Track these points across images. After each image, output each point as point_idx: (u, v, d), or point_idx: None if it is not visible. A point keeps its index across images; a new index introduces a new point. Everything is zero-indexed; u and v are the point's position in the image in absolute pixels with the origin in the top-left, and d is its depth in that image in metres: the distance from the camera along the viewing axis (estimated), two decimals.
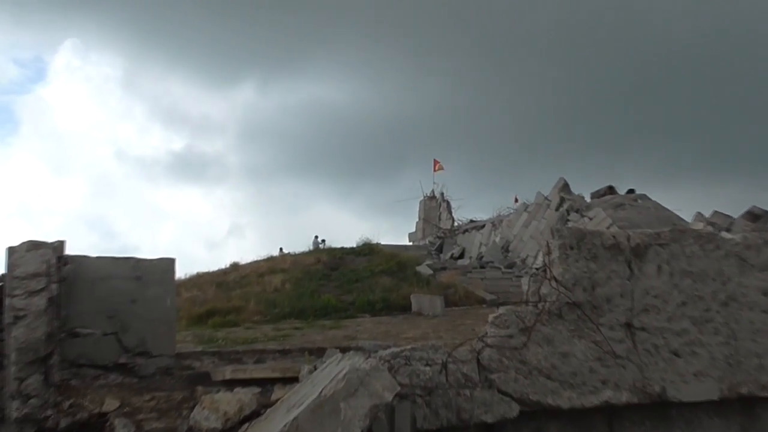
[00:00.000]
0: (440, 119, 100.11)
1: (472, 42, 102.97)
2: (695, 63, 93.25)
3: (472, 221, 36.45)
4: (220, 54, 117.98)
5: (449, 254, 32.01)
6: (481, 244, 31.81)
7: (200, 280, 23.02)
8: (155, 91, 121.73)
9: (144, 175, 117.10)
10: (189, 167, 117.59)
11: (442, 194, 41.70)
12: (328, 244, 31.97)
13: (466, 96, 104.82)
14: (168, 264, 7.82)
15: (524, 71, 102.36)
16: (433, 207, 41.61)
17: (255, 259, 26.22)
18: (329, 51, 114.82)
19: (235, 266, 24.93)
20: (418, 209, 42.79)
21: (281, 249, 29.82)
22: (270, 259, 25.83)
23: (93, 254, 7.54)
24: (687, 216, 23.14)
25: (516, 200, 33.28)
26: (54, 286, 6.55)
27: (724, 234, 7.67)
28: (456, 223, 38.28)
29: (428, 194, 42.68)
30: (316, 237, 34.17)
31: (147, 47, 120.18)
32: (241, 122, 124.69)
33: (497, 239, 30.24)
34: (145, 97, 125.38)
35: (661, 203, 24.97)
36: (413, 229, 42.53)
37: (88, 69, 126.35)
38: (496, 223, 31.74)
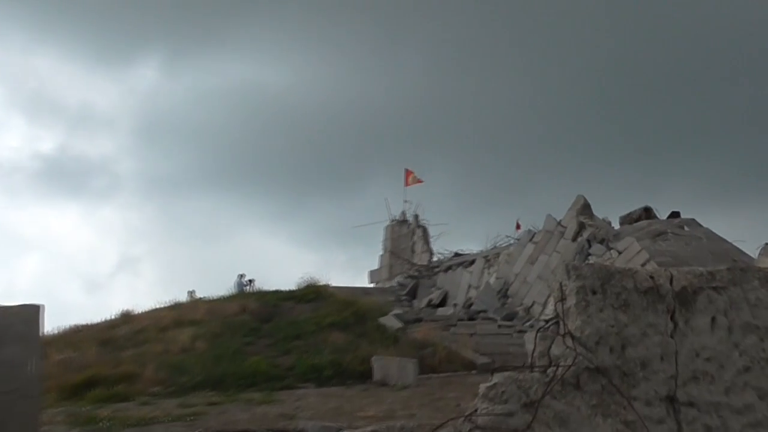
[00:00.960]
0: (416, 115, 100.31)
1: (460, 15, 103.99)
2: (760, 52, 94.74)
3: (457, 255, 36.52)
4: (110, 20, 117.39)
5: (426, 300, 32.07)
6: (470, 286, 31.87)
7: (77, 336, 22.74)
8: (15, 71, 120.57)
9: None
10: (63, 176, 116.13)
11: (417, 217, 42.02)
12: (258, 285, 31.95)
13: (452, 86, 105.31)
14: (31, 313, 7.67)
15: (531, 56, 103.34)
16: (405, 235, 41.82)
17: (155, 306, 26.10)
18: (263, 18, 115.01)
19: (126, 316, 24.72)
20: (383, 238, 42.93)
21: (192, 292, 29.74)
22: (176, 307, 25.67)
23: None
24: (751, 249, 22.83)
25: (518, 227, 33.71)
26: None
27: None
28: (435, 258, 38.37)
29: (397, 217, 42.89)
30: (242, 276, 34.07)
31: (4, 9, 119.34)
32: (139, 114, 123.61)
33: (492, 280, 30.27)
34: (2, 78, 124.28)
35: (715, 232, 25.35)
36: (376, 266, 42.57)
37: None
38: (490, 257, 31.85)
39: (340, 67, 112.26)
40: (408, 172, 42.15)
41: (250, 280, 33.38)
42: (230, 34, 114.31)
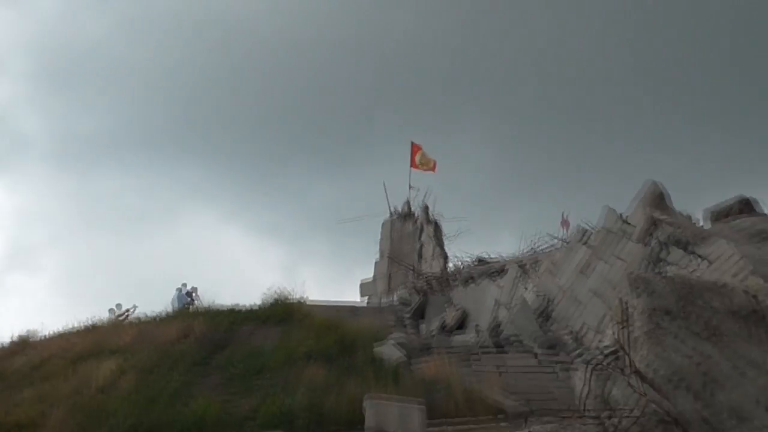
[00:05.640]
0: (434, 66, 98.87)
1: None
2: None
3: (482, 261, 37.46)
4: None
5: (437, 323, 32.78)
6: (498, 304, 32.16)
7: None
8: None
9: None
10: None
11: (427, 210, 42.29)
12: (205, 299, 33.15)
13: (483, 28, 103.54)
14: None
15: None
16: (409, 234, 42.20)
17: (65, 328, 27.11)
18: None
19: (24, 342, 25.46)
20: (379, 238, 43.35)
21: (117, 308, 31.24)
22: (94, 329, 26.51)
23: None
24: None
25: (565, 223, 35.24)
26: None
27: None
28: (451, 265, 38.71)
29: (399, 209, 43.54)
30: (182, 287, 34.78)
31: None
32: (39, 49, 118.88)
33: (529, 296, 30.51)
34: None
35: None
36: (370, 275, 42.78)
37: None
38: (527, 265, 32.34)
39: None
40: (415, 147, 41.88)
41: (190, 293, 34.20)
42: None
